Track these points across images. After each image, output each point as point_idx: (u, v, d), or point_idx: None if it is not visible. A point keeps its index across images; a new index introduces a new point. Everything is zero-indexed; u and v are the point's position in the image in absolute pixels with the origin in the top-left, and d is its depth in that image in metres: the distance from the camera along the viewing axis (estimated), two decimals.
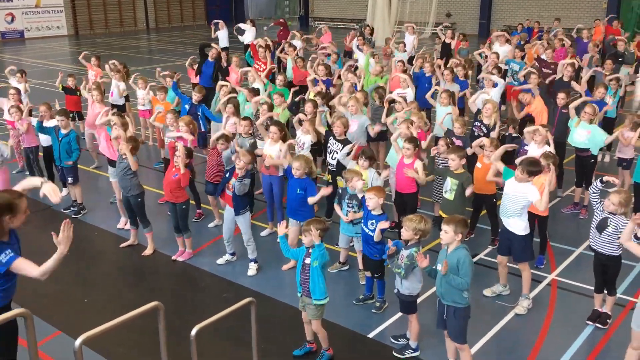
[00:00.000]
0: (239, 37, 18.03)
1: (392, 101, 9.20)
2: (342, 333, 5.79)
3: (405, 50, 14.40)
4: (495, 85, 10.24)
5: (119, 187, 7.57)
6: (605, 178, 5.77)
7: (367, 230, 5.94)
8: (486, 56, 12.95)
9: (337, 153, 7.65)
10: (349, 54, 16.71)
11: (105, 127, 8.21)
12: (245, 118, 8.37)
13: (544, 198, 5.91)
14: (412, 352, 5.49)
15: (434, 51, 16.03)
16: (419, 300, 5.55)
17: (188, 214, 7.36)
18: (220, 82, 10.21)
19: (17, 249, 4.14)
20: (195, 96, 9.78)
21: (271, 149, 7.48)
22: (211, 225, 8.29)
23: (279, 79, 10.49)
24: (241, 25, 18.44)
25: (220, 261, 7.23)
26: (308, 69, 11.35)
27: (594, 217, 5.73)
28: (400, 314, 5.83)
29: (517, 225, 6.04)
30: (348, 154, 7.23)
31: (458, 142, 7.78)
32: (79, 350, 3.46)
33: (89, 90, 10.21)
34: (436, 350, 5.47)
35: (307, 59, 13.17)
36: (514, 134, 8.39)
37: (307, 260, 5.13)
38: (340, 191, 6.72)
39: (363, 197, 6.13)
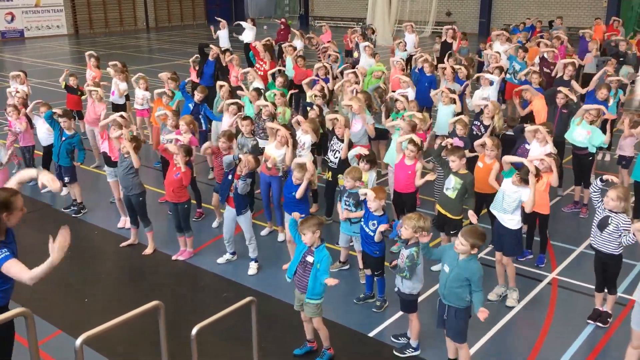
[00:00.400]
0: (238, 36, 17.97)
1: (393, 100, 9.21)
2: (342, 332, 5.79)
3: (405, 50, 14.40)
4: (491, 83, 10.26)
5: (120, 187, 7.57)
6: (605, 177, 5.77)
7: (367, 230, 5.94)
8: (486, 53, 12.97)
9: (339, 152, 7.69)
10: (349, 53, 16.70)
11: (106, 127, 8.22)
12: (246, 118, 8.37)
13: (529, 200, 5.97)
14: (412, 351, 5.49)
15: (433, 51, 16.00)
16: (419, 299, 5.55)
17: (189, 213, 7.36)
18: (219, 82, 10.22)
19: (14, 249, 4.11)
20: (197, 96, 9.80)
21: (275, 152, 7.47)
22: (214, 224, 8.28)
23: (279, 80, 10.49)
24: (242, 23, 18.39)
25: (220, 260, 7.24)
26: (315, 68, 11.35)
27: (595, 215, 5.73)
28: (400, 313, 5.83)
29: (510, 219, 6.16)
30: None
31: (459, 143, 7.77)
32: (79, 349, 3.46)
33: (89, 91, 10.27)
34: (437, 350, 5.47)
35: (308, 59, 13.16)
36: (510, 133, 8.42)
37: (309, 259, 5.11)
38: (341, 189, 6.74)
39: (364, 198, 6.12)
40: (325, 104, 9.41)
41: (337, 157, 7.77)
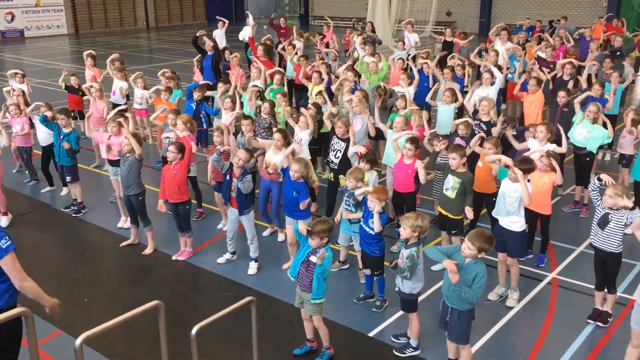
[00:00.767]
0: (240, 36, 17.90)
1: (391, 96, 9.24)
2: (342, 332, 5.79)
3: (404, 49, 14.38)
4: (492, 83, 10.25)
5: (121, 186, 7.57)
6: (602, 176, 5.74)
7: (367, 229, 5.94)
8: (486, 50, 12.96)
9: (340, 152, 7.68)
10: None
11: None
12: (247, 117, 8.36)
13: (524, 194, 5.94)
14: (412, 351, 5.48)
15: (436, 50, 16.00)
16: (419, 299, 5.54)
17: (190, 213, 7.36)
18: (219, 84, 10.22)
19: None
20: (196, 94, 9.80)
21: (275, 157, 7.44)
22: (220, 226, 8.21)
23: (276, 78, 10.47)
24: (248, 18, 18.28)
25: (220, 260, 7.24)
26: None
27: (595, 214, 5.73)
28: (400, 312, 5.83)
29: (515, 222, 6.13)
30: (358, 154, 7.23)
31: (461, 142, 7.77)
32: (79, 349, 3.46)
33: (87, 89, 10.30)
34: (437, 350, 5.46)
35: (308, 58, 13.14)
36: (513, 133, 8.39)
37: (313, 259, 5.09)
38: (342, 189, 6.73)
39: (365, 198, 6.11)
40: (325, 102, 9.38)
41: (337, 157, 7.75)
